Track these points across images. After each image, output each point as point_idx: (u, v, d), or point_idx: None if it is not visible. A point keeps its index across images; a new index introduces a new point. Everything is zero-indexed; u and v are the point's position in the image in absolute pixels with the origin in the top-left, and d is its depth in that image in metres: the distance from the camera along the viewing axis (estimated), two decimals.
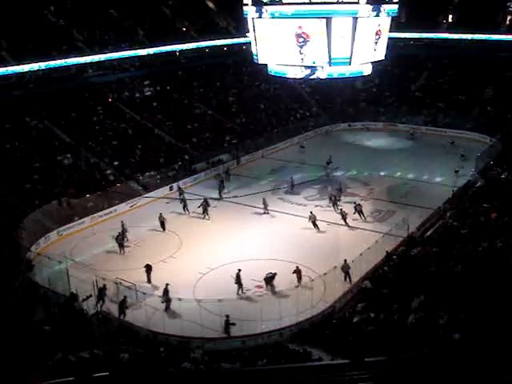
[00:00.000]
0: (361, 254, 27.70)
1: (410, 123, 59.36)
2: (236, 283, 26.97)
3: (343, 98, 64.95)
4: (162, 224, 34.88)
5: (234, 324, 23.69)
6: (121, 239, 32.37)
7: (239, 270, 27.11)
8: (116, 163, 43.48)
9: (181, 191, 40.00)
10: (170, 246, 32.38)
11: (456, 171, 43.34)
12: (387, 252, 28.76)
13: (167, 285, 26.13)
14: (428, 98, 62.21)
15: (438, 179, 42.92)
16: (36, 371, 13.98)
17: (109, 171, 42.40)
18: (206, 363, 19.27)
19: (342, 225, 34.35)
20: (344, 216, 34.88)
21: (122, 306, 25.02)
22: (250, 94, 62.84)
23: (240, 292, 26.93)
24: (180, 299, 24.31)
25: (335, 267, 26.67)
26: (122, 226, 33.33)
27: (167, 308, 25.80)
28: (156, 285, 27.97)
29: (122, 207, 38.65)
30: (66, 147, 43.47)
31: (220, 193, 40.95)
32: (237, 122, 56.34)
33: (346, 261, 27.40)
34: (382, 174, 45.19)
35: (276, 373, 10.61)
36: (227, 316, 23.69)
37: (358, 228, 33.98)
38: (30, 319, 22.17)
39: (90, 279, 26.93)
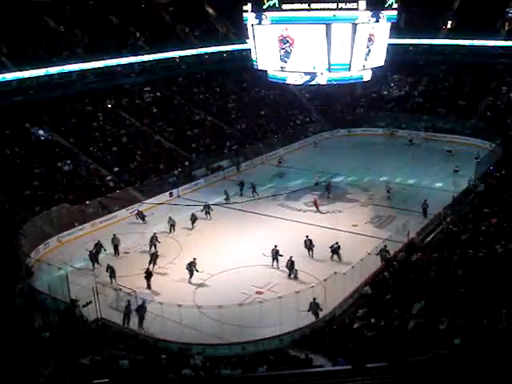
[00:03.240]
0: (361, 260, 27.69)
1: (410, 129, 59.40)
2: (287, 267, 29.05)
3: (343, 103, 65.10)
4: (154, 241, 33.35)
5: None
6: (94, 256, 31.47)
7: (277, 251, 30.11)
8: (116, 169, 43.48)
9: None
10: (169, 253, 32.32)
11: (455, 171, 43.53)
12: (387, 257, 28.73)
13: (194, 259, 28.79)
14: (428, 103, 62.34)
15: (437, 184, 42.91)
16: (36, 378, 13.95)
17: (109, 177, 42.40)
18: (207, 369, 19.20)
19: (342, 231, 34.26)
20: None
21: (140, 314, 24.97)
22: (250, 100, 62.93)
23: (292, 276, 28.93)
24: (180, 305, 24.26)
25: (335, 273, 26.64)
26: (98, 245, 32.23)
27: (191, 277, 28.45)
28: (156, 291, 27.96)
29: (122, 213, 38.62)
30: (66, 153, 43.49)
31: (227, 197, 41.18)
32: (237, 128, 56.40)
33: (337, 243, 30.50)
34: (382, 179, 45.17)
35: (277, 379, 10.58)
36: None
37: (358, 234, 33.91)
38: (29, 326, 22.11)
39: (90, 285, 26.93)
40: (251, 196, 41.17)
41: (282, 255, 30.06)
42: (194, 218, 36.43)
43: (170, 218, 35.52)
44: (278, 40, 33.75)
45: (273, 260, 30.29)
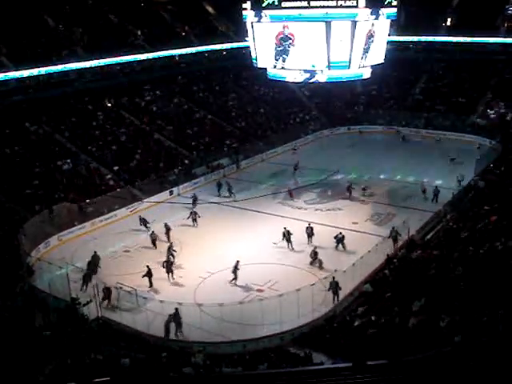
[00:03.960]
0: (361, 257, 27.71)
1: (410, 126, 59.58)
2: (233, 272, 28.06)
3: (343, 101, 65.11)
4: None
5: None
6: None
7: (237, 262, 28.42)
8: (116, 168, 43.48)
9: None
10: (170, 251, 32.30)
11: (452, 159, 43.63)
12: (388, 255, 28.76)
13: (238, 262, 28.22)
14: (427, 101, 62.35)
15: (437, 182, 42.87)
16: (37, 377, 13.97)
17: (109, 176, 42.40)
18: (207, 368, 19.22)
19: (342, 228, 34.23)
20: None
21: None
22: (250, 98, 62.93)
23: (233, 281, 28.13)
24: (180, 303, 24.28)
25: (336, 271, 26.64)
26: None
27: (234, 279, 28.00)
28: (157, 289, 28.00)
29: (122, 212, 38.63)
30: (65, 152, 43.51)
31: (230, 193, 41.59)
32: (237, 126, 56.40)
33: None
34: (382, 176, 45.20)
35: (277, 377, 10.60)
36: None
37: (358, 231, 33.91)
38: (30, 325, 22.14)
39: (91, 284, 26.99)
40: (228, 196, 41.30)
41: (292, 233, 32.07)
42: (194, 216, 36.46)
43: (165, 224, 34.82)
44: (277, 38, 33.72)
45: (287, 242, 31.99)
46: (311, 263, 29.97)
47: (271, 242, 32.74)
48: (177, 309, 24.23)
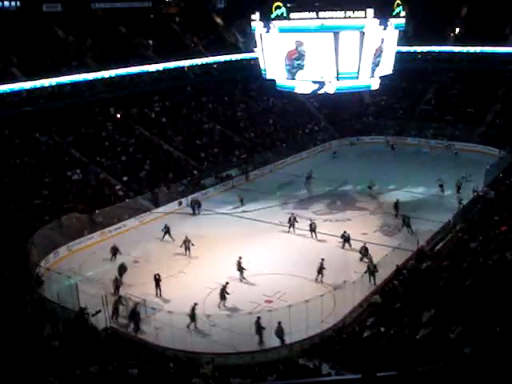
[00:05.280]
0: (370, 283, 27.66)
1: (418, 137, 59.49)
2: (220, 295, 27.19)
3: (351, 112, 65.11)
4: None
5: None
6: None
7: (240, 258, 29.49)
8: (125, 178, 43.60)
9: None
10: (179, 261, 32.35)
11: (440, 185, 43.15)
12: (397, 266, 28.64)
13: (226, 284, 27.25)
14: (436, 111, 62.26)
15: (447, 192, 42.73)
16: None
17: (118, 186, 42.52)
18: (216, 379, 19.18)
19: (351, 239, 34.18)
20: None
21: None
22: (259, 109, 63.05)
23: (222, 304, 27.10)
24: (189, 314, 24.26)
25: (345, 281, 26.56)
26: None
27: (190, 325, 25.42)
28: (166, 299, 27.99)
29: (132, 222, 38.70)
30: (75, 163, 43.69)
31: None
32: (245, 137, 56.47)
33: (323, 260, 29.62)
34: (391, 187, 45.09)
35: None
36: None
37: (367, 242, 33.78)
38: (39, 334, 22.17)
39: (100, 294, 26.99)
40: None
41: (297, 221, 35.14)
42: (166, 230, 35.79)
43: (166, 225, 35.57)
44: (290, 57, 33.84)
45: (289, 227, 34.44)
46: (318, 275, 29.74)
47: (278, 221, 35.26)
48: (135, 305, 25.36)
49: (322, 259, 29.66)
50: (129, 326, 25.57)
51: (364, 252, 31.16)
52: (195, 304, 25.43)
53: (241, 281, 29.46)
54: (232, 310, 25.30)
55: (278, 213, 39.53)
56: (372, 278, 28.39)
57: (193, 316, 25.08)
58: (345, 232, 33.69)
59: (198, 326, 25.21)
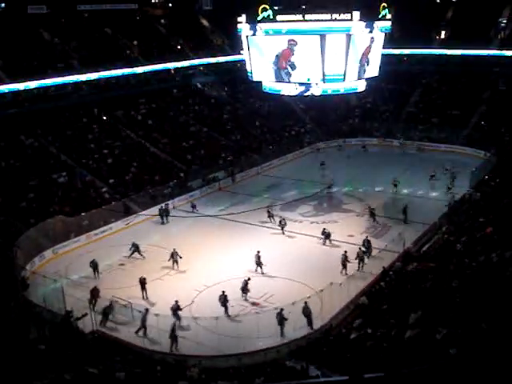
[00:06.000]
0: (357, 270, 27.70)
1: (403, 138, 59.72)
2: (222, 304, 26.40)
3: (337, 114, 65.28)
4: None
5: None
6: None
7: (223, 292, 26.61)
8: (111, 181, 43.42)
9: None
10: (165, 264, 32.23)
11: (432, 176, 44.76)
12: (383, 268, 28.72)
13: (176, 304, 25.77)
14: (422, 113, 62.59)
15: (433, 194, 42.99)
16: None
17: (104, 189, 42.32)
18: (203, 381, 19.13)
19: (338, 241, 34.32)
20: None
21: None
22: (245, 111, 63.06)
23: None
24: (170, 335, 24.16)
25: (331, 284, 26.60)
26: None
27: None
28: (152, 301, 27.89)
29: (118, 225, 38.54)
30: (61, 165, 43.45)
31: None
32: (232, 139, 56.45)
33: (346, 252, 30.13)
34: (377, 189, 45.24)
35: None
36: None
37: (354, 244, 33.84)
38: (24, 338, 22.01)
39: (86, 297, 26.88)
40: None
41: (262, 264, 30.88)
42: (135, 249, 33.64)
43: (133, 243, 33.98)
44: (284, 62, 33.87)
45: (256, 266, 30.82)
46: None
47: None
48: (111, 302, 25.84)
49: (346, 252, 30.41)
50: (103, 322, 25.66)
51: (367, 245, 31.86)
52: (176, 303, 25.52)
53: (262, 273, 30.40)
54: (219, 313, 25.23)
55: (264, 215, 39.48)
56: (361, 264, 30.25)
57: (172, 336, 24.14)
58: (324, 229, 34.72)
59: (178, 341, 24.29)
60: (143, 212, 40.24)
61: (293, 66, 33.67)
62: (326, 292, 25.80)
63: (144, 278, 28.59)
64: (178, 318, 25.40)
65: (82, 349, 22.22)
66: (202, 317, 25.16)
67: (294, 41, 32.87)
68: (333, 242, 34.39)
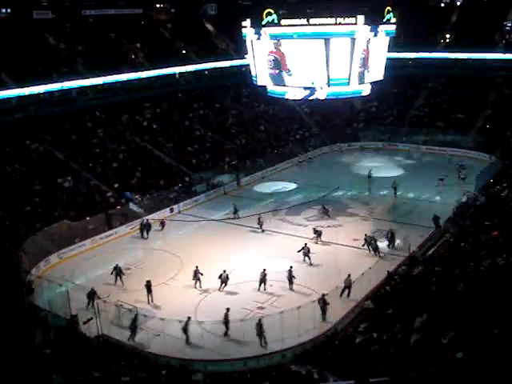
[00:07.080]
0: (362, 274, 27.63)
1: (408, 142, 59.67)
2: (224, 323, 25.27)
3: (342, 118, 65.24)
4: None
5: None
6: None
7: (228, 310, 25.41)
8: (116, 185, 43.47)
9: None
10: (171, 268, 32.25)
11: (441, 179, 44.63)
12: (388, 272, 28.67)
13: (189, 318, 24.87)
14: (427, 117, 62.47)
15: (438, 198, 42.89)
16: None
17: (109, 193, 42.39)
18: None
19: (342, 245, 34.26)
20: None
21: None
22: (250, 116, 63.09)
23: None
24: (181, 321, 24.19)
25: (337, 287, 26.54)
26: None
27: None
28: (157, 306, 27.88)
29: (122, 229, 38.57)
30: (66, 170, 43.53)
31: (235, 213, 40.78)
32: (237, 144, 56.47)
33: (349, 275, 27.78)
34: (382, 193, 45.18)
35: None
36: None
37: (359, 248, 33.77)
38: (30, 343, 22.04)
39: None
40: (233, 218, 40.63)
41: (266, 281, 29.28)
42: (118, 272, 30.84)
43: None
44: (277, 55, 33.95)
45: (260, 283, 29.19)
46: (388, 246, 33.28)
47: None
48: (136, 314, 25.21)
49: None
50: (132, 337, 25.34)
51: (390, 236, 33.65)
52: (189, 318, 24.83)
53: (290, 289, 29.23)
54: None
55: (269, 219, 39.43)
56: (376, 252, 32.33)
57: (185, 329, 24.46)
58: (316, 227, 35.84)
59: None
60: (148, 216, 40.21)
61: (297, 70, 33.72)
62: (332, 296, 25.77)
63: (150, 282, 28.57)
64: (292, 282, 28.63)
65: (87, 353, 22.24)
66: (208, 321, 25.12)
67: (298, 45, 32.95)
68: (336, 245, 34.40)
